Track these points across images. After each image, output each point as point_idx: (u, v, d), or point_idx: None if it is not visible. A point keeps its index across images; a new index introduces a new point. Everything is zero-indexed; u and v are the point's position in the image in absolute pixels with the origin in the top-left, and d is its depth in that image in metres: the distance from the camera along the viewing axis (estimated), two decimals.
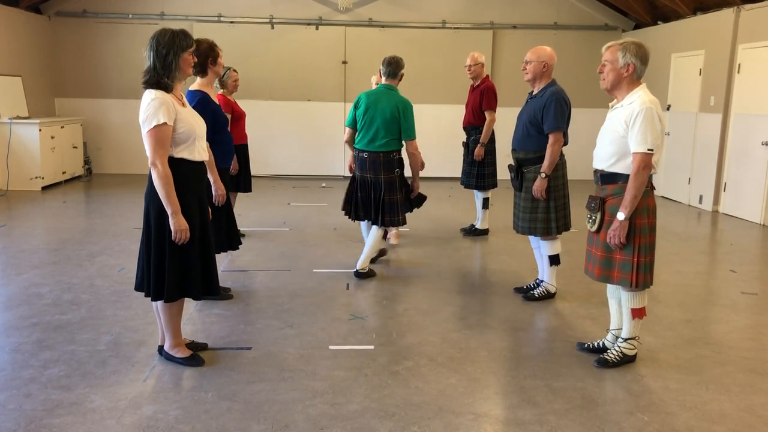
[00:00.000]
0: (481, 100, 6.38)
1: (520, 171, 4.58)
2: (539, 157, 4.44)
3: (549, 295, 4.73)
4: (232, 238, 4.61)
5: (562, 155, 4.51)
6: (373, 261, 5.51)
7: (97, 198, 8.69)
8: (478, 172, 6.53)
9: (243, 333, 3.99)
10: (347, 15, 10.70)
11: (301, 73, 10.71)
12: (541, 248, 4.69)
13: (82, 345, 3.74)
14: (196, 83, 4.32)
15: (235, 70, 6.07)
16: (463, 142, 6.72)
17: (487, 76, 6.62)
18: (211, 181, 4.11)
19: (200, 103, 4.11)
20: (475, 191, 6.73)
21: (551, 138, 4.37)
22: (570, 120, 4.50)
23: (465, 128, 6.64)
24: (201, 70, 4.20)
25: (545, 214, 4.51)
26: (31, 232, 6.62)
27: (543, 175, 4.41)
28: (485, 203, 6.73)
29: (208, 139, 3.68)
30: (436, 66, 10.71)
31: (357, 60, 10.63)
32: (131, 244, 6.03)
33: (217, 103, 4.47)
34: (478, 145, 6.43)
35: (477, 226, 6.82)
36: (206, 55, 4.18)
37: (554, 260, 4.67)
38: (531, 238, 4.75)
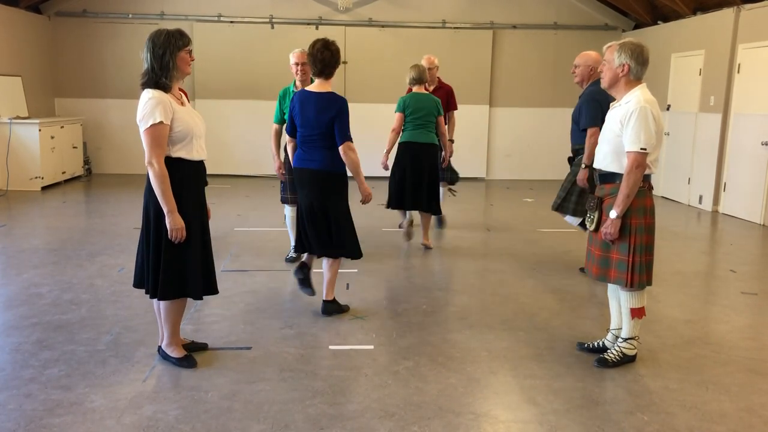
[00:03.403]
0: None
1: (572, 160, 5.23)
2: (582, 149, 4.96)
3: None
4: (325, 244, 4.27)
5: None
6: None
7: (96, 198, 8.69)
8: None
9: (243, 333, 3.99)
10: (347, 15, 10.70)
11: None
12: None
13: (82, 345, 3.74)
14: (329, 84, 4.11)
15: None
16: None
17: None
18: (358, 184, 4.15)
19: (345, 107, 4.02)
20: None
21: (587, 133, 4.81)
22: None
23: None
24: (330, 72, 4.10)
25: (571, 196, 5.09)
26: (31, 232, 6.62)
27: (583, 165, 4.86)
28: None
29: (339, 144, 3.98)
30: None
31: (357, 60, 10.61)
32: (131, 244, 6.02)
33: None
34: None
35: None
36: (337, 58, 4.11)
37: (581, 225, 5.05)
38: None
